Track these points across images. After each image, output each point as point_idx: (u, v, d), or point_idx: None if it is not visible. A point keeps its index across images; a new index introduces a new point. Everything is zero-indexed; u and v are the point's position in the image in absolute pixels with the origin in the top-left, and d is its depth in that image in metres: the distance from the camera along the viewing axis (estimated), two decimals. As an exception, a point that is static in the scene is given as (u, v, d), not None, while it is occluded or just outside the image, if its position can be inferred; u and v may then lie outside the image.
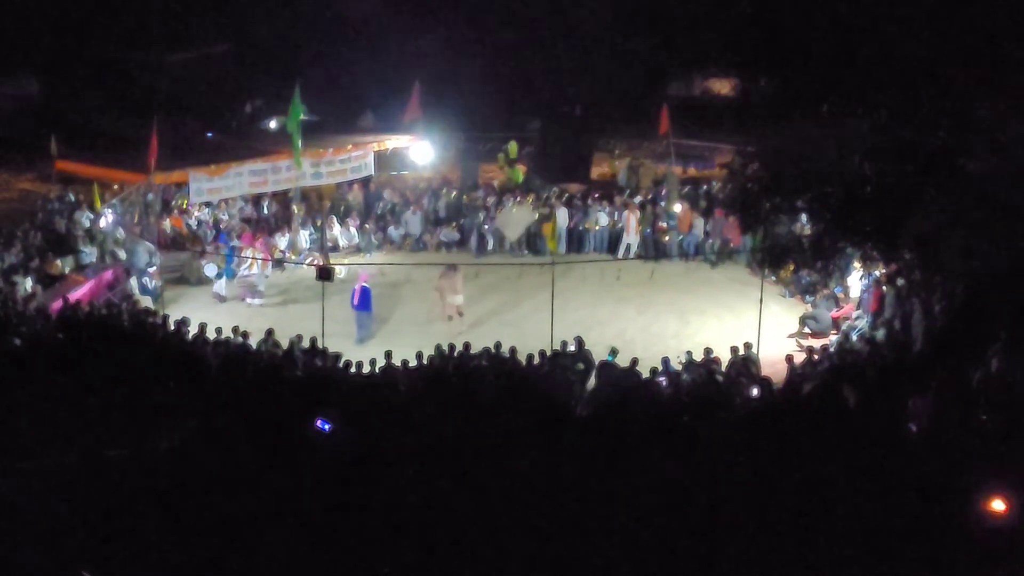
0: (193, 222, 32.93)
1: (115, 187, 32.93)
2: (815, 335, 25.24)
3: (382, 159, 36.28)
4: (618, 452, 14.72)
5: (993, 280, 17.63)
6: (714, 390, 19.71)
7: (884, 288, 24.13)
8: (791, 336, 25.37)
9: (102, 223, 30.78)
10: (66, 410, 15.73)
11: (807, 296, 27.80)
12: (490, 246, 33.47)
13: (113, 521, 11.93)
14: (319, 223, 33.45)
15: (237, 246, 30.65)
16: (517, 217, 32.78)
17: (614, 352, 21.65)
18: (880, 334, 22.61)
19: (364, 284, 25.75)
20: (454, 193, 35.53)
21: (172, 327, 23.21)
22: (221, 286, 29.01)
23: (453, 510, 12.82)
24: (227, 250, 30.34)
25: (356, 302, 25.63)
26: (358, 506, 12.85)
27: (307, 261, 31.04)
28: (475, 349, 21.72)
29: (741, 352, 21.78)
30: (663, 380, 20.68)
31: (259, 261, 29.31)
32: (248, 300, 28.67)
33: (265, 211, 34.42)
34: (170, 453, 14.48)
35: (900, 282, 23.00)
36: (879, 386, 18.00)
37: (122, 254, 29.74)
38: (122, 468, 13.79)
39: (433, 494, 13.20)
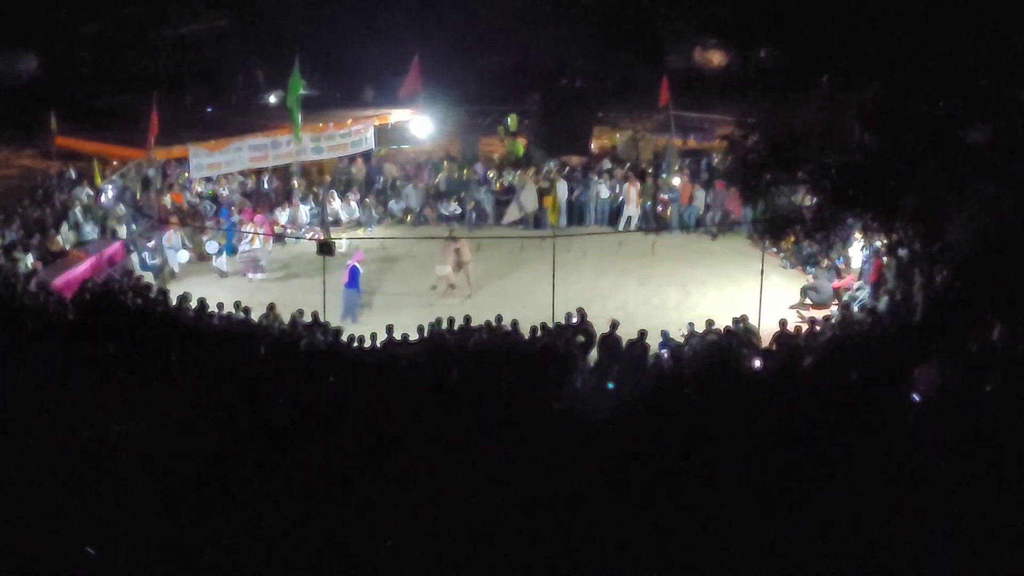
0: (194, 198, 32.91)
1: (115, 163, 32.92)
2: (816, 306, 25.27)
3: (383, 133, 36.21)
4: (622, 427, 14.76)
5: (993, 249, 17.63)
6: (716, 362, 19.73)
7: (885, 259, 24.13)
8: (792, 307, 25.40)
9: (102, 199, 30.78)
10: (68, 386, 15.75)
11: (808, 267, 27.80)
12: (490, 219, 33.46)
13: (117, 498, 11.96)
14: (320, 197, 33.42)
15: (237, 221, 30.64)
16: (531, 189, 32.85)
17: (615, 324, 21.62)
18: (882, 304, 22.61)
19: (356, 264, 25.62)
20: (455, 167, 35.47)
21: (174, 302, 23.26)
22: (222, 262, 29.02)
23: (457, 485, 12.85)
24: (227, 225, 30.34)
25: (346, 280, 25.60)
26: (362, 480, 12.89)
27: (308, 236, 31.03)
28: (476, 322, 21.73)
29: (740, 324, 21.79)
30: (665, 352, 20.71)
31: (261, 236, 29.27)
32: (250, 275, 28.67)
33: (266, 186, 34.37)
34: (174, 428, 14.52)
35: (901, 252, 22.99)
36: (881, 356, 18.01)
37: (122, 230, 29.75)
38: (126, 444, 13.82)
39: (437, 469, 13.24)
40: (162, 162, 32.03)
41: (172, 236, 28.38)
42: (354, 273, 25.41)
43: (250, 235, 29.08)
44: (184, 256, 28.34)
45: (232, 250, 29.37)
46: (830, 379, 16.94)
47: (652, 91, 35.73)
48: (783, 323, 22.00)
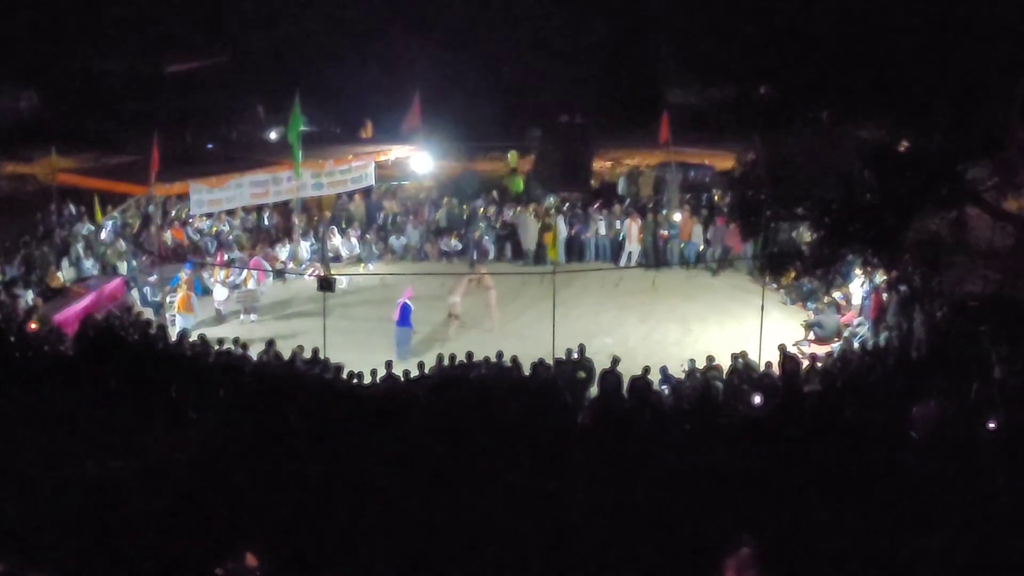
0: (195, 234, 32.93)
1: (116, 199, 32.93)
2: (820, 341, 25.16)
3: (383, 169, 36.27)
4: (620, 461, 14.74)
5: (993, 287, 17.66)
6: (715, 398, 19.71)
7: (885, 295, 24.11)
8: (796, 343, 25.31)
9: (103, 235, 30.77)
10: (69, 422, 15.72)
11: (808, 303, 27.78)
12: (491, 255, 33.47)
13: (117, 534, 11.94)
14: (320, 233, 33.44)
15: (210, 263, 30.45)
16: (532, 224, 32.95)
17: (616, 360, 21.59)
18: (883, 339, 22.57)
19: (407, 301, 25.56)
20: (454, 202, 35.52)
21: (174, 339, 23.27)
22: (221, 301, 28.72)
23: (457, 519, 12.83)
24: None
25: (397, 318, 25.42)
26: (362, 513, 12.86)
27: (308, 272, 30.99)
28: (476, 358, 21.71)
29: (740, 360, 21.75)
30: (665, 389, 20.68)
31: (255, 276, 29.11)
32: (224, 312, 28.27)
33: (266, 222, 34.42)
34: (174, 463, 14.49)
35: (902, 288, 22.99)
36: (880, 393, 17.99)
37: (123, 266, 29.72)
38: (126, 479, 13.79)
39: (437, 503, 13.21)
40: (163, 198, 32.03)
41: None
42: (405, 310, 25.26)
43: (243, 275, 28.90)
44: (191, 320, 27.89)
45: (199, 292, 28.91)
46: (829, 415, 16.93)
47: (652, 127, 35.80)
48: (769, 364, 21.87)
